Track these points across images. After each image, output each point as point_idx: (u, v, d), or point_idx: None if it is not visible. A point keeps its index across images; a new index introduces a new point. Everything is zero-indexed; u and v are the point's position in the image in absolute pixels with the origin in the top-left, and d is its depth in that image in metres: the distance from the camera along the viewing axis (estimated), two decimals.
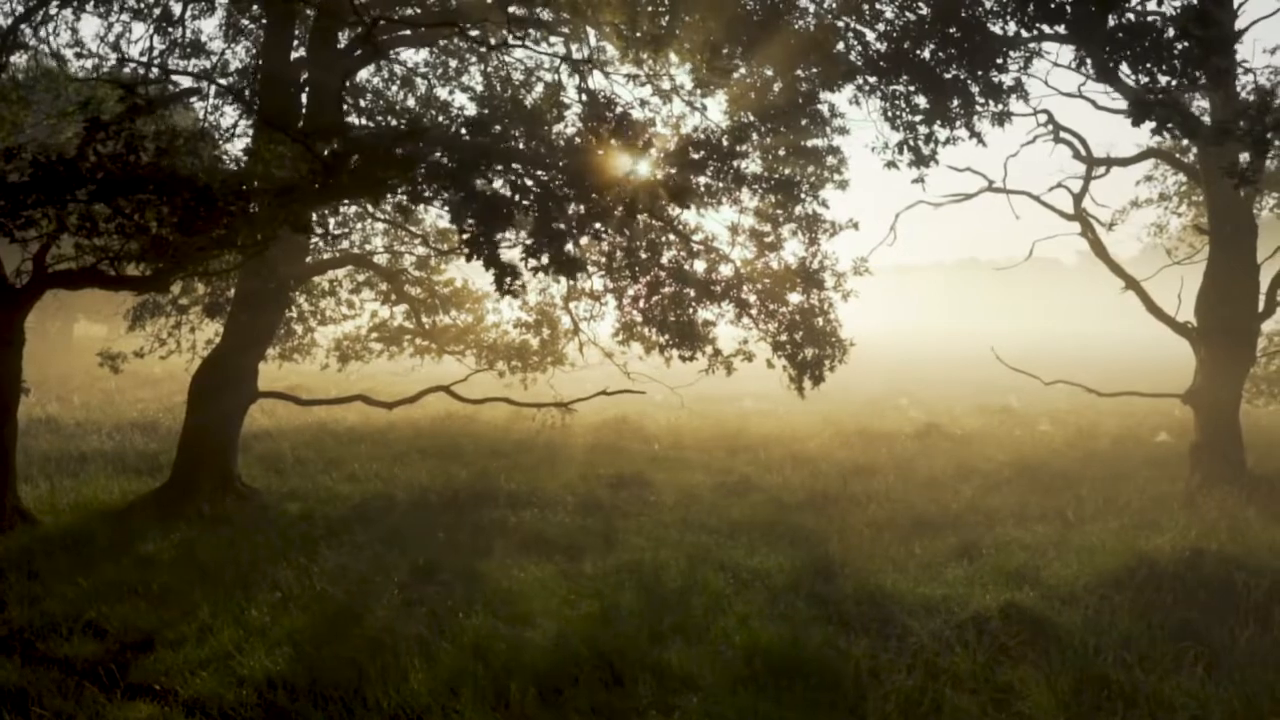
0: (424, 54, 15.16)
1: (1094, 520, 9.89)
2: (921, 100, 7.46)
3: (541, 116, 10.21)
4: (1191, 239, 16.66)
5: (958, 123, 7.45)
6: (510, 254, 8.21)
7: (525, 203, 6.19)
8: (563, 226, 6.23)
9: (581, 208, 6.63)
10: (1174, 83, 6.23)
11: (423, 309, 15.82)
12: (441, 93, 15.71)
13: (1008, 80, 7.74)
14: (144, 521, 9.88)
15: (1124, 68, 6.19)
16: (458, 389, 13.77)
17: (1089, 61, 6.30)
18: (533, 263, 6.18)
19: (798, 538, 9.73)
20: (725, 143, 10.49)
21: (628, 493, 12.15)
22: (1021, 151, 16.06)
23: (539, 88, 14.06)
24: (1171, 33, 5.89)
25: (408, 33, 11.23)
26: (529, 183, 6.36)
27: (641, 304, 12.10)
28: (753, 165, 11.73)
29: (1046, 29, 6.53)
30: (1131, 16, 6.04)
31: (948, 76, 7.34)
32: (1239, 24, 12.22)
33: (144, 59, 13.06)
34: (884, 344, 53.82)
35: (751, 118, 10.91)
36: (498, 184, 6.41)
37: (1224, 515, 9.26)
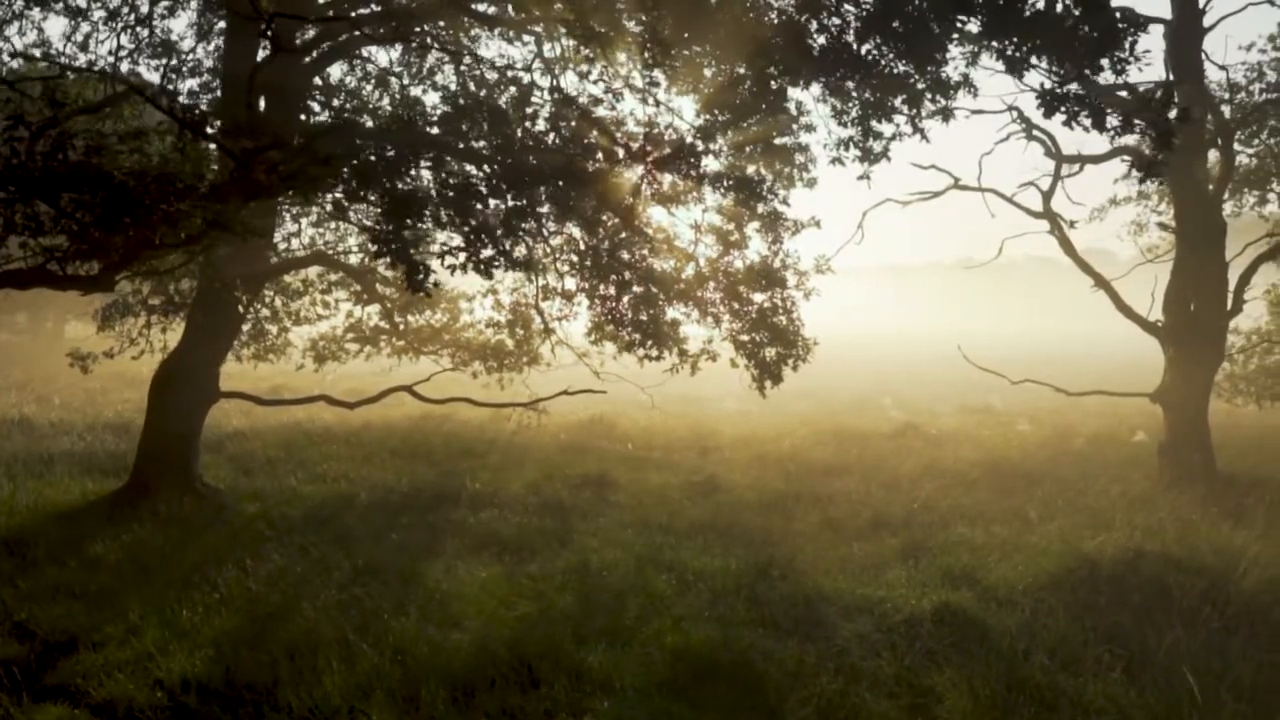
0: (395, 53, 15.15)
1: (1054, 521, 9.79)
2: (867, 95, 7.35)
3: (502, 114, 10.17)
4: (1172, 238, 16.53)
5: (897, 117, 7.35)
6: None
7: (446, 199, 6.12)
8: (475, 223, 6.16)
9: (515, 204, 6.56)
10: (1084, 73, 6.12)
11: (395, 309, 15.81)
12: (416, 91, 15.71)
13: (955, 75, 7.64)
14: (97, 522, 9.85)
15: (1033, 59, 6.10)
16: (426, 389, 13.74)
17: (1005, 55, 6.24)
18: (449, 260, 6.14)
19: (753, 539, 9.66)
20: (690, 140, 10.45)
21: (592, 493, 12.09)
22: (999, 150, 15.98)
23: (513, 88, 14.03)
24: (1069, 22, 5.79)
25: (365, 31, 11.17)
26: (454, 180, 6.29)
27: (609, 303, 12.06)
28: (715, 163, 11.70)
29: (963, 22, 6.43)
30: (1040, 5, 5.95)
31: (890, 72, 7.24)
32: (1207, 20, 12.17)
33: (111, 58, 13.06)
34: (876, 344, 53.65)
35: (717, 115, 10.85)
36: (426, 179, 6.38)
37: (1173, 516, 9.14)
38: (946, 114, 7.29)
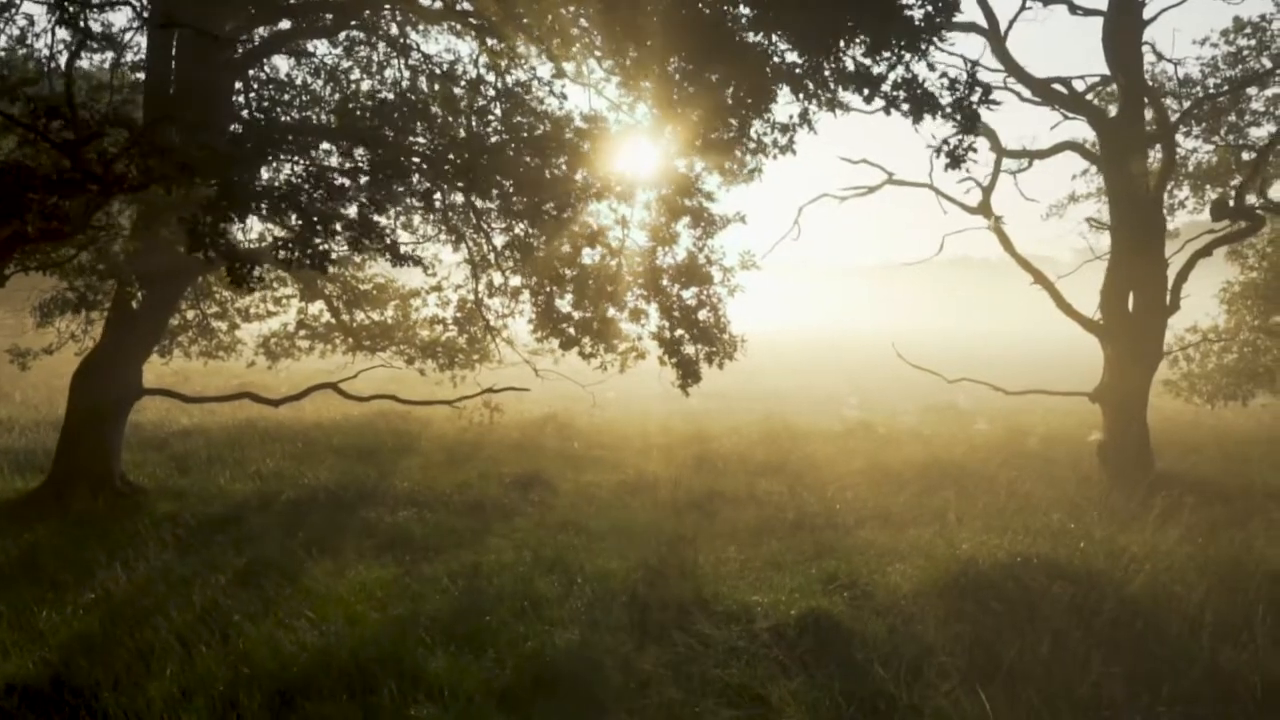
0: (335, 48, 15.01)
1: (974, 522, 9.56)
2: (747, 87, 7.16)
3: (428, 107, 10.03)
4: None
5: (777, 108, 7.15)
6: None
7: (287, 191, 5.98)
8: (317, 217, 6.02)
9: (373, 194, 6.41)
10: (886, 56, 5.92)
11: (342, 306, 15.70)
12: (366, 86, 15.59)
13: (850, 66, 7.42)
14: (5, 521, 9.77)
15: (832, 37, 5.90)
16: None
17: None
18: (283, 254, 5.98)
19: (664, 539, 9.48)
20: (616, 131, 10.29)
21: (520, 493, 11.93)
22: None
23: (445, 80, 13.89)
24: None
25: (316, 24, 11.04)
26: (310, 170, 6.16)
27: (540, 299, 11.96)
28: (649, 159, 11.53)
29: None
30: None
31: (778, 61, 7.05)
32: (1147, 12, 11.89)
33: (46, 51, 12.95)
34: (866, 344, 53.17)
35: (649, 108, 10.68)
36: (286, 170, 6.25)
37: (1081, 517, 8.89)
38: (834, 104, 7.07)
